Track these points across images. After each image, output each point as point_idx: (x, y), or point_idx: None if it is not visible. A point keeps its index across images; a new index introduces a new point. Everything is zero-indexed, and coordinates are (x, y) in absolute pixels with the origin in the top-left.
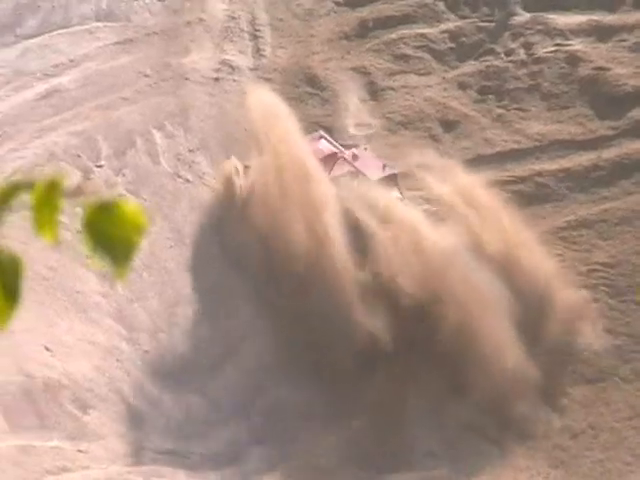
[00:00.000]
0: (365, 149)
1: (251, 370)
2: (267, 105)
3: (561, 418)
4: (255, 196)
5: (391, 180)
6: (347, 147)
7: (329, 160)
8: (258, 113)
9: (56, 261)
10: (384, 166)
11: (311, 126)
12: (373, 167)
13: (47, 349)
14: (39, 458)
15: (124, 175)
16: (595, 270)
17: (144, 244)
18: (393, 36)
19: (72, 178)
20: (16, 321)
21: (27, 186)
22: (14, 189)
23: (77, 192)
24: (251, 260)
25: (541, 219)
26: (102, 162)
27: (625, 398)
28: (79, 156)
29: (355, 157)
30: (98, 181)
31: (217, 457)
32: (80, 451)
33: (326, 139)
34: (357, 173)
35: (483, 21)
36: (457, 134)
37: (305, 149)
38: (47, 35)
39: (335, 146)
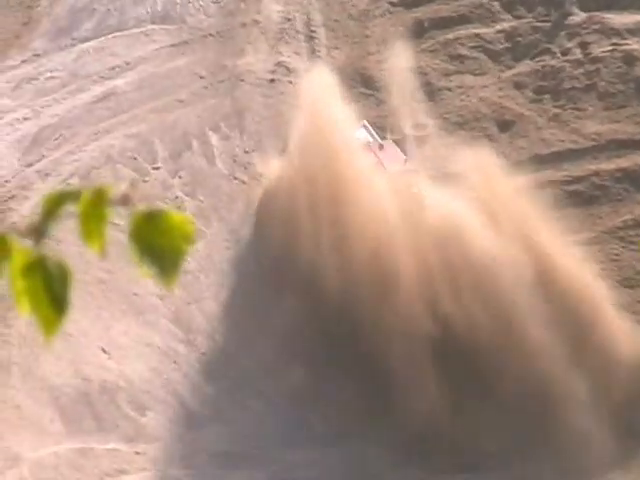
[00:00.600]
0: (391, 141)
1: (308, 372)
2: (320, 88)
3: (622, 417)
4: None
5: (410, 175)
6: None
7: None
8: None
9: (112, 264)
10: (406, 161)
11: None
12: (394, 160)
13: (104, 351)
14: (97, 461)
15: (180, 177)
16: None
17: (201, 246)
18: (449, 36)
19: (121, 185)
20: (73, 324)
21: (74, 196)
22: (61, 199)
23: (125, 200)
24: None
25: (598, 219)
26: (158, 164)
27: None
28: (135, 158)
29: (381, 147)
30: (153, 184)
31: (274, 459)
32: (137, 453)
33: (367, 129)
34: (379, 163)
35: (539, 21)
36: (513, 134)
37: (351, 138)
38: (103, 38)
39: (373, 137)
